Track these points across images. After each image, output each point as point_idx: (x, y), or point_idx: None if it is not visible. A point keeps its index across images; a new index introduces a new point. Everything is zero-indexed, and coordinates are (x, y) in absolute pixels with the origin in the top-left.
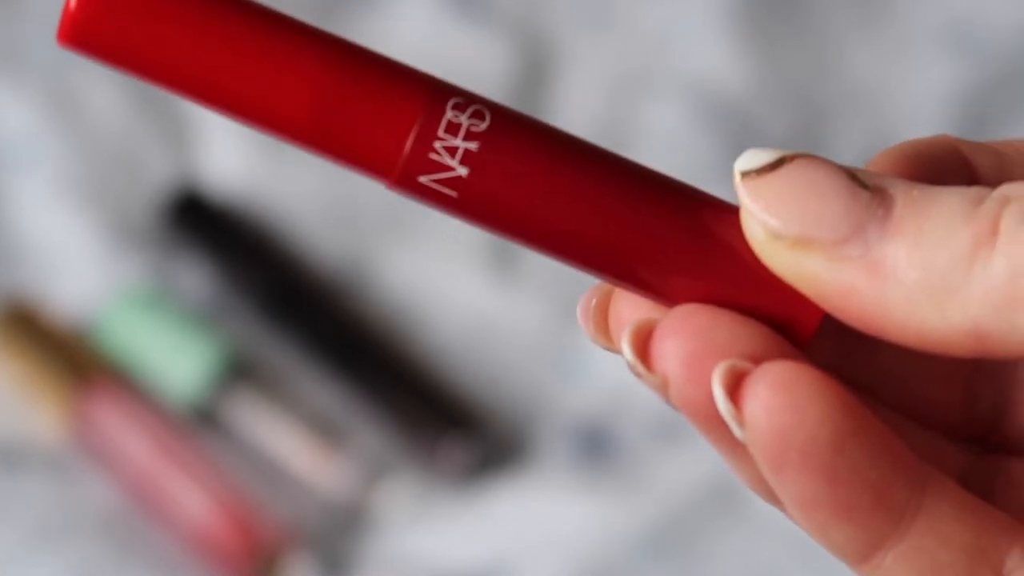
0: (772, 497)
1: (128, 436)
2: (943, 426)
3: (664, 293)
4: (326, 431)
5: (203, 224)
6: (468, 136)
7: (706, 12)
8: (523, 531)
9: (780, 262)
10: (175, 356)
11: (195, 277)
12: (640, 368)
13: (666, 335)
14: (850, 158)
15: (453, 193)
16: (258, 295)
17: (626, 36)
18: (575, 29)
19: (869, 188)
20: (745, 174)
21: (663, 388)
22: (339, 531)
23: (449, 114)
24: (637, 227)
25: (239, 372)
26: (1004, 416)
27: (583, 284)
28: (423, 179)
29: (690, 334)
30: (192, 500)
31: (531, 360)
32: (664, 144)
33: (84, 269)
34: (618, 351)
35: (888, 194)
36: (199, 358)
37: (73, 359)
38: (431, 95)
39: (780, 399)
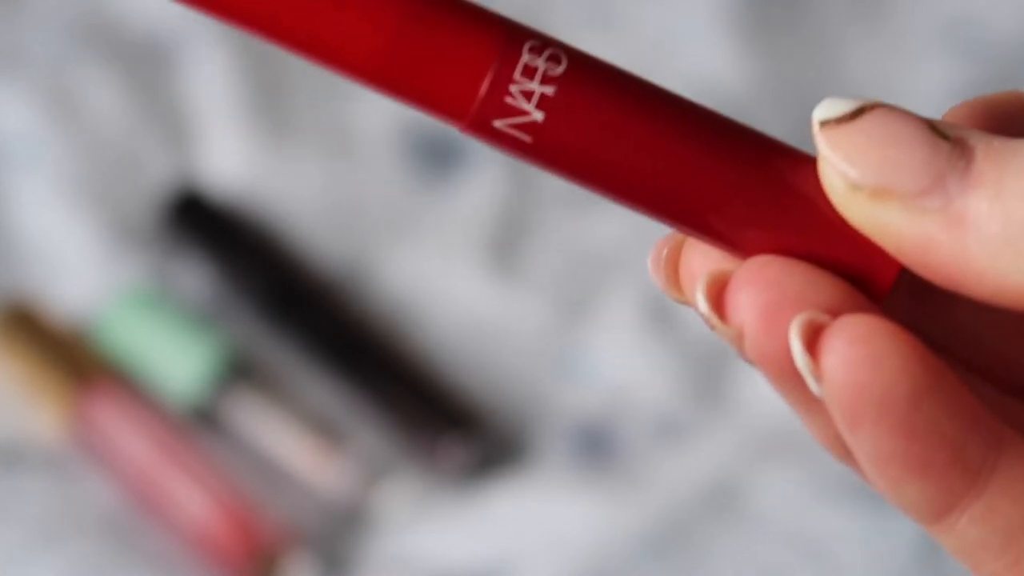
0: (846, 455)
1: (128, 436)
2: (1016, 386)
3: (738, 244)
4: (326, 431)
5: (203, 224)
6: (545, 80)
7: (706, 13)
8: (523, 531)
9: (858, 213)
10: (175, 356)
11: (195, 277)
12: (714, 320)
13: (741, 286)
14: None
15: (528, 138)
16: (258, 295)
17: (626, 37)
18: (575, 29)
19: (949, 139)
20: (824, 123)
21: (738, 340)
22: (339, 531)
23: (525, 57)
24: (713, 175)
25: (239, 372)
26: None
27: (583, 285)
28: (498, 123)
29: (766, 285)
30: (192, 500)
31: (531, 360)
32: None
33: (84, 269)
34: (690, 303)
35: (969, 145)
36: (199, 358)
37: (73, 359)
38: (507, 37)
39: (858, 353)
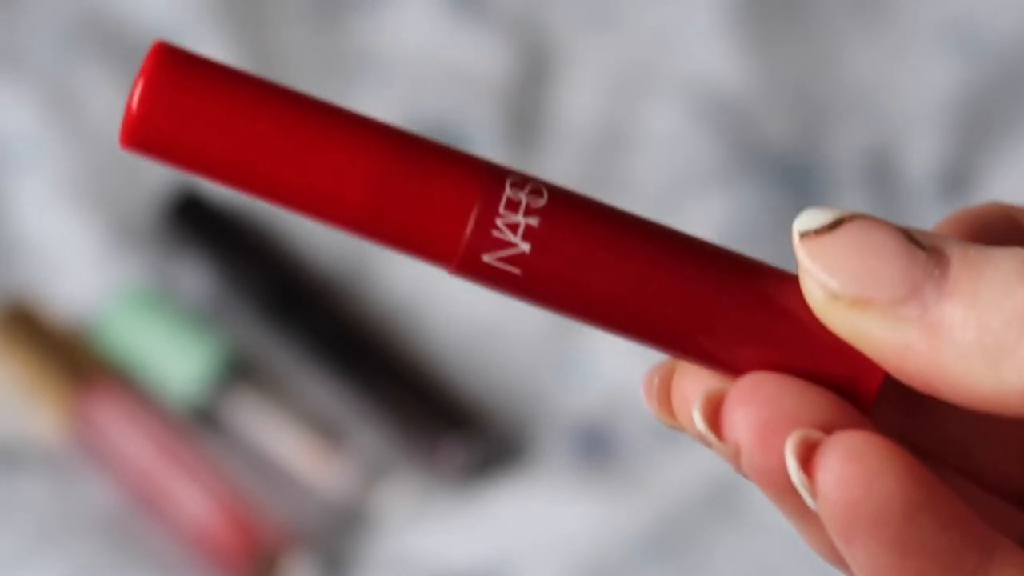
0: (841, 563)
1: (128, 436)
2: (1004, 489)
3: (728, 363)
4: (326, 431)
5: (203, 224)
6: (528, 212)
7: (706, 12)
8: (523, 531)
9: (838, 322)
10: (175, 356)
11: (195, 277)
12: (711, 438)
13: (736, 404)
14: (850, 158)
15: (516, 270)
16: (258, 295)
17: (626, 36)
18: (575, 29)
19: (926, 248)
20: (804, 235)
21: (735, 457)
22: (339, 531)
23: (508, 192)
24: (699, 300)
25: (239, 372)
26: None
27: None
28: (486, 258)
29: (761, 403)
30: (192, 500)
31: (531, 360)
32: (664, 144)
33: (84, 269)
34: (683, 428)
35: (944, 254)
36: (199, 358)
37: (73, 359)
38: (489, 175)
39: (852, 470)
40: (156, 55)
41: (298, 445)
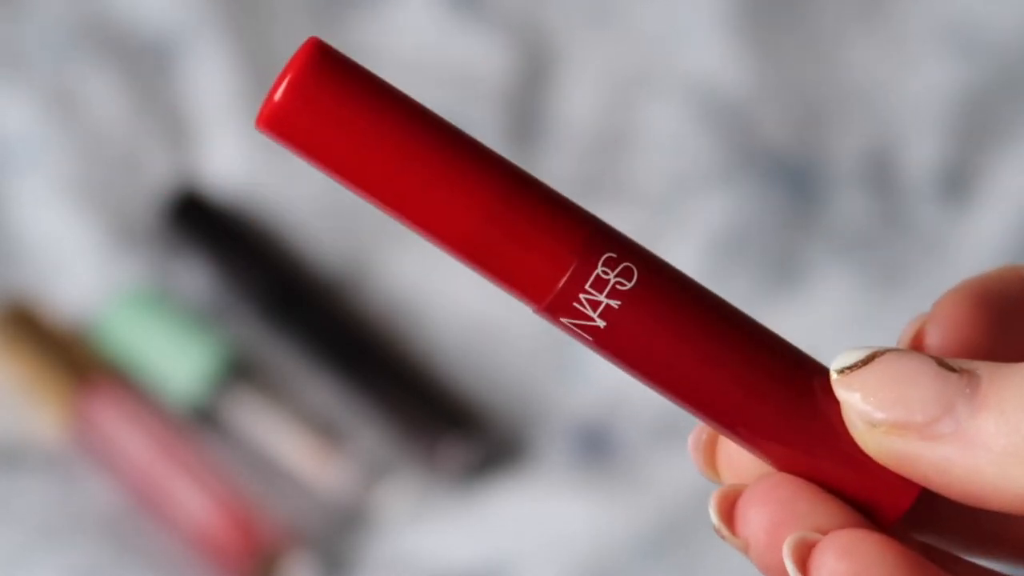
0: None
1: (128, 436)
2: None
3: (767, 452)
4: (326, 431)
5: (203, 224)
6: (612, 294)
7: (706, 12)
8: (523, 531)
9: (878, 448)
10: (175, 356)
11: (195, 277)
12: (724, 531)
13: (751, 503)
14: (850, 158)
15: (589, 337)
16: (258, 295)
17: (626, 36)
18: (575, 29)
19: (957, 371)
20: (841, 372)
21: (745, 550)
22: (339, 531)
23: (599, 269)
24: (752, 395)
25: (239, 372)
26: None
27: None
28: (564, 320)
29: (775, 505)
30: (192, 500)
31: (531, 360)
32: (663, 144)
33: (84, 269)
34: (722, 483)
35: (976, 374)
36: (199, 358)
37: (73, 359)
38: (588, 244)
39: (845, 566)
40: (308, 51)
41: (298, 445)
